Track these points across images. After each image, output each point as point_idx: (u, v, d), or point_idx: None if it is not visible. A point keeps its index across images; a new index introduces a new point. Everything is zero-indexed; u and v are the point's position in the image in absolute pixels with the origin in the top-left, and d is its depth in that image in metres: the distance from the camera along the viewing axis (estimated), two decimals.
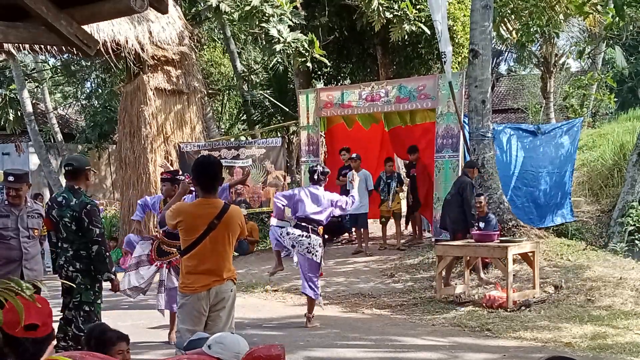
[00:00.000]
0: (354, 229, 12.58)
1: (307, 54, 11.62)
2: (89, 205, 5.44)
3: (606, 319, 7.17)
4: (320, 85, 18.44)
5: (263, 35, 11.97)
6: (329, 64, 14.78)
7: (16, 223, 5.99)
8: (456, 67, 15.09)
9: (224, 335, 3.28)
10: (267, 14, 11.20)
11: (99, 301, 5.58)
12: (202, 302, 4.58)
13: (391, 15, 12.67)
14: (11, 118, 20.72)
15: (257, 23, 11.40)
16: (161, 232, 6.93)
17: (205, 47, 20.55)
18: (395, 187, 11.94)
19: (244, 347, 3.15)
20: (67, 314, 5.53)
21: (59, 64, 22.13)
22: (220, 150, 13.56)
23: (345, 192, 12.18)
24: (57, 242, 5.54)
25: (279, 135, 16.47)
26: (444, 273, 8.84)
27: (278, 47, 11.36)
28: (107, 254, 5.52)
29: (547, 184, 11.95)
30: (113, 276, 5.60)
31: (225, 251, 4.66)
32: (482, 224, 9.12)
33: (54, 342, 2.95)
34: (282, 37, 11.26)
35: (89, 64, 20.43)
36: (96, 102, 23.89)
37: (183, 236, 4.67)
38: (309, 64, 12.34)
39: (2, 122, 21.10)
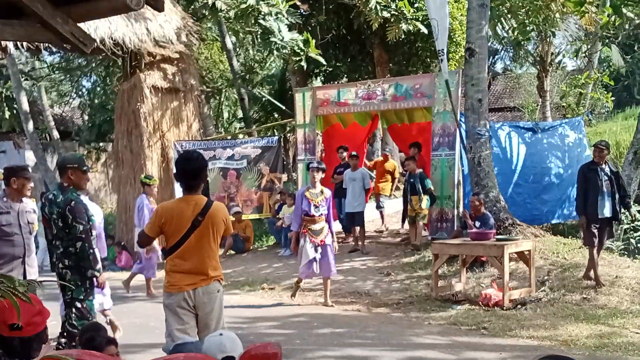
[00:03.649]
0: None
1: (302, 53, 11.60)
2: (73, 202, 5.36)
3: (602, 318, 7.18)
4: (317, 83, 18.43)
5: (259, 33, 11.96)
6: (324, 62, 14.76)
7: (17, 219, 5.95)
8: (455, 66, 15.09)
9: (215, 335, 3.27)
10: (263, 13, 11.18)
11: (91, 298, 5.50)
12: (188, 300, 4.49)
13: (388, 14, 12.67)
14: (7, 117, 20.72)
15: (252, 21, 11.39)
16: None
17: (203, 44, 20.48)
18: (419, 188, 10.94)
19: (237, 346, 3.12)
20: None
21: (56, 61, 22.11)
22: (215, 149, 13.49)
23: (340, 190, 12.20)
24: (52, 240, 5.52)
25: (276, 134, 16.44)
26: (443, 269, 8.84)
27: (273, 39, 11.33)
28: (91, 250, 5.40)
29: (552, 180, 11.82)
30: (97, 273, 5.45)
31: (211, 249, 4.56)
32: (478, 223, 9.12)
33: (50, 341, 2.94)
34: (279, 34, 11.24)
35: (86, 62, 20.39)
36: (95, 100, 23.85)
37: (167, 236, 4.56)
38: (303, 63, 12.32)
39: None
